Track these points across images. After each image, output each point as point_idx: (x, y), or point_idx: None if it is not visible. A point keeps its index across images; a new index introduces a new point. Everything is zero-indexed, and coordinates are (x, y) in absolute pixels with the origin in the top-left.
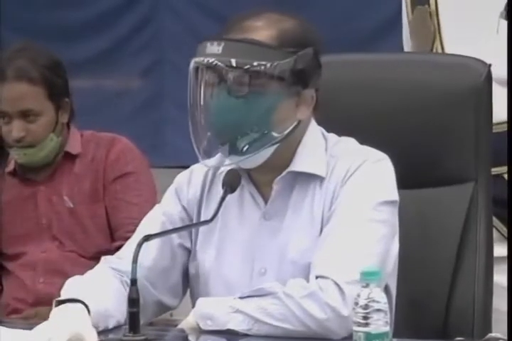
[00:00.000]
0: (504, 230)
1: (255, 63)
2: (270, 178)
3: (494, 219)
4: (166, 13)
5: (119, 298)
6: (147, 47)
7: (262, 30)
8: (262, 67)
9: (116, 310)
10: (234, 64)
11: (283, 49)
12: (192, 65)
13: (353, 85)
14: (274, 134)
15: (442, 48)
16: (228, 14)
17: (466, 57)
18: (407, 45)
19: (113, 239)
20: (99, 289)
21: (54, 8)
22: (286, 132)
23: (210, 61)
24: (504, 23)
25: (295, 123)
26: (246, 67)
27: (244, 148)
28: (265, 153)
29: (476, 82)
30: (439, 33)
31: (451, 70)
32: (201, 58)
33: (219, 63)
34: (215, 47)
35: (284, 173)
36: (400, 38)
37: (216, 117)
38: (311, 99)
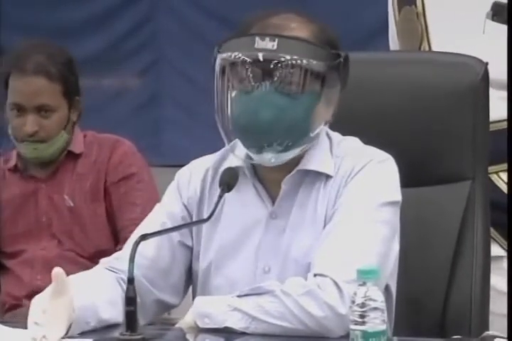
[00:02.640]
0: (494, 234)
1: (314, 61)
2: (278, 176)
3: None
4: (165, 13)
5: (111, 292)
6: (146, 47)
7: (299, 28)
8: (318, 66)
9: (106, 303)
10: (292, 61)
11: (328, 49)
12: (234, 58)
13: (349, 84)
14: (311, 134)
15: (430, 48)
16: (228, 14)
17: (463, 55)
18: (394, 44)
19: (117, 242)
20: (88, 284)
21: (53, 7)
22: (316, 132)
23: (265, 56)
24: (490, 24)
25: (323, 123)
26: (303, 64)
27: (280, 147)
28: (296, 152)
29: (473, 80)
30: (427, 33)
31: (448, 69)
32: (252, 53)
33: (275, 59)
34: (268, 43)
35: (293, 172)
36: None
37: (259, 114)
38: (337, 100)
